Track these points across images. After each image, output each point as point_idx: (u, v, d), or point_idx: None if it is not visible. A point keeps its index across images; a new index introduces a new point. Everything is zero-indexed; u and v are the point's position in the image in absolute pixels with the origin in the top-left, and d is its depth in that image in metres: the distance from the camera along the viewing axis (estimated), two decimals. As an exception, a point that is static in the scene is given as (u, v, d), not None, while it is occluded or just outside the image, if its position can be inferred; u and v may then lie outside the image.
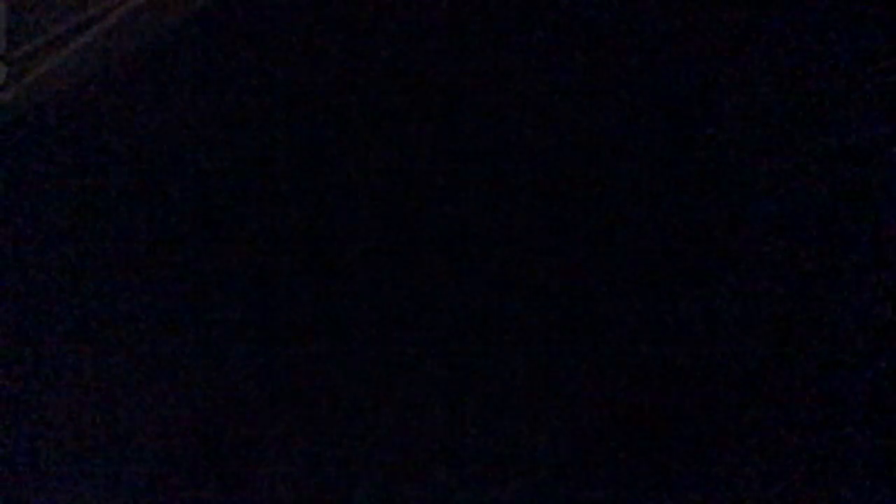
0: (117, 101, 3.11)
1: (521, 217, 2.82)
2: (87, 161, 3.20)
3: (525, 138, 2.79)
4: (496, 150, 2.82)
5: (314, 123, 2.95)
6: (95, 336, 3.22)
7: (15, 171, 3.29)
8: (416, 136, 2.87)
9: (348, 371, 2.99)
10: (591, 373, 2.74)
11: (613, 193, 2.72)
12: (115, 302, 3.19)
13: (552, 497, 2.74)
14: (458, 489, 2.83)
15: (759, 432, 2.56)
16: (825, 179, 2.48)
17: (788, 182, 2.53)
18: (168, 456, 3.09)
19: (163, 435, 3.10)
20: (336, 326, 3.00)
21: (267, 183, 3.02)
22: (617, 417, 2.72)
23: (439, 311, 2.91)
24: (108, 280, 3.21)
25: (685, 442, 2.64)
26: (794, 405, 2.52)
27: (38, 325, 3.26)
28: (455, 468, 2.84)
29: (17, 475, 3.22)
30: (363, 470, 2.93)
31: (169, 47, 2.98)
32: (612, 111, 2.69)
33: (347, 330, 2.99)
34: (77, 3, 3.35)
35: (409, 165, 2.90)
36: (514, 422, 2.81)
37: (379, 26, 2.80)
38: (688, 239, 2.66)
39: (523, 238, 2.82)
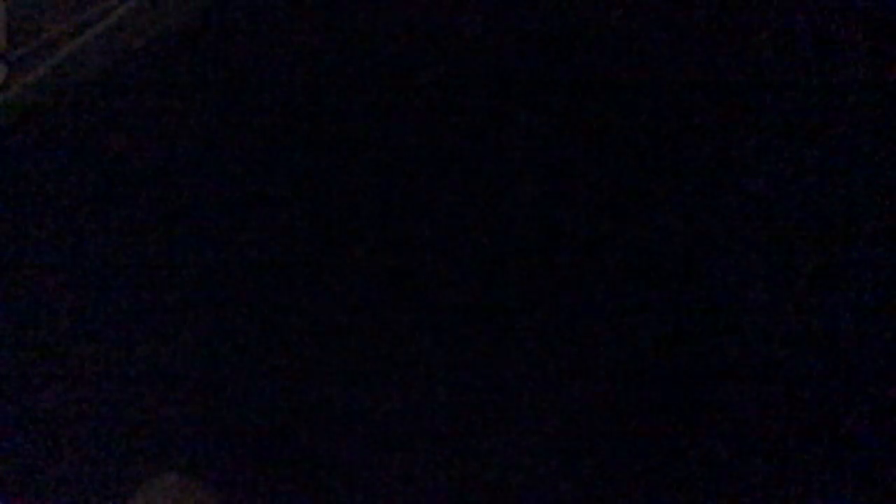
0: (117, 101, 3.11)
1: (518, 216, 2.82)
2: (88, 161, 3.20)
3: (522, 138, 2.79)
4: (493, 148, 2.83)
5: (315, 123, 2.96)
6: (95, 336, 3.22)
7: (15, 170, 3.29)
8: (417, 136, 2.88)
9: (346, 369, 2.99)
10: (588, 373, 2.74)
11: (612, 192, 2.72)
12: (116, 303, 3.19)
13: (549, 495, 2.74)
14: (456, 487, 2.83)
15: (758, 432, 2.56)
16: (825, 178, 2.48)
17: (788, 181, 2.53)
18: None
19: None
20: (333, 324, 3.01)
21: (269, 182, 3.03)
22: (614, 417, 2.72)
23: (436, 309, 2.91)
24: (108, 280, 3.21)
25: (683, 442, 2.64)
26: (794, 405, 2.52)
27: (38, 324, 3.26)
28: (452, 467, 2.85)
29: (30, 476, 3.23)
30: (359, 469, 2.93)
31: (169, 47, 2.98)
32: (612, 111, 2.69)
33: (346, 327, 3.00)
34: (77, 3, 3.35)
35: (410, 166, 2.90)
36: (511, 422, 2.82)
37: (380, 27, 2.81)
38: (686, 238, 2.66)
39: (520, 237, 2.82)
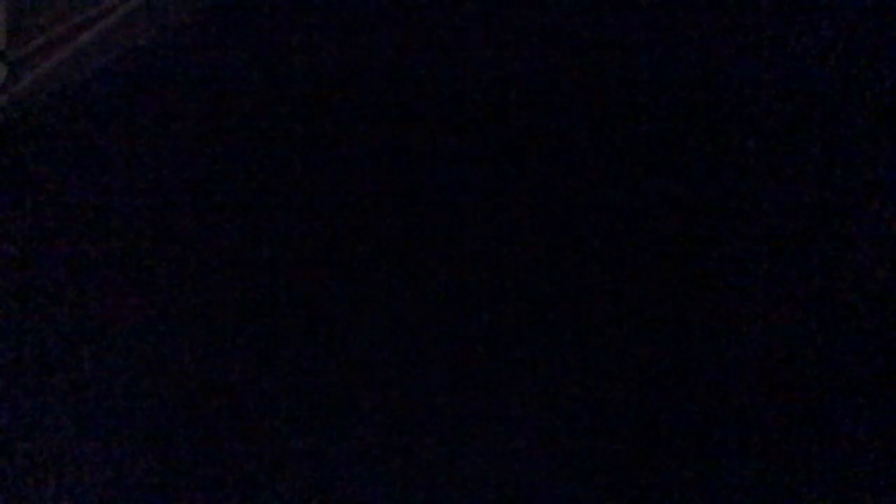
0: (118, 100, 3.11)
1: (518, 220, 2.82)
2: (87, 161, 3.20)
3: (522, 137, 2.79)
4: (491, 148, 2.83)
5: (315, 123, 2.96)
6: (95, 335, 3.22)
7: (15, 170, 3.29)
8: (417, 136, 2.88)
9: (346, 373, 2.99)
10: (588, 377, 2.74)
11: (611, 194, 2.72)
12: (115, 301, 3.20)
13: (547, 495, 2.74)
14: (453, 493, 2.83)
15: (758, 435, 2.56)
16: (825, 178, 2.48)
17: (788, 180, 2.53)
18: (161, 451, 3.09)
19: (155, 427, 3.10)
20: (336, 327, 3.01)
21: (267, 182, 3.03)
22: (615, 421, 2.72)
23: (436, 316, 2.91)
24: (108, 279, 3.21)
25: (683, 447, 2.64)
26: (794, 407, 2.52)
27: (38, 325, 3.26)
28: (450, 472, 2.85)
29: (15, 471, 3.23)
30: (357, 474, 2.93)
31: (169, 47, 2.98)
32: (611, 108, 2.69)
33: (346, 331, 2.99)
34: (77, 3, 3.35)
35: (410, 166, 2.90)
36: (511, 427, 2.81)
37: (380, 26, 2.81)
38: (686, 240, 2.66)
39: (521, 241, 2.82)
